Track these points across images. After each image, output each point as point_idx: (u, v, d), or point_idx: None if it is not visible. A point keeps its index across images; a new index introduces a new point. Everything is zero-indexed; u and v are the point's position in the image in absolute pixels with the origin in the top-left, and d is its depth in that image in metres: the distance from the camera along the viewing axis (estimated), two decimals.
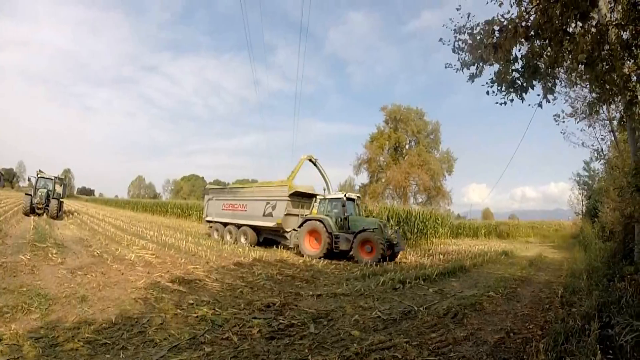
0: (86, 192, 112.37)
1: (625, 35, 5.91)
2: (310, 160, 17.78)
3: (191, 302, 6.35)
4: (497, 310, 6.98)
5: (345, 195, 14.82)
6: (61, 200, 24.16)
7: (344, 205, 14.49)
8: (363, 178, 51.51)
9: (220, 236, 18.48)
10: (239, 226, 17.50)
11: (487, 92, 5.62)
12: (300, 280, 9.19)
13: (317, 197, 16.10)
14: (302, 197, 16.41)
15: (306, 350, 4.46)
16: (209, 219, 19.67)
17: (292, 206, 15.97)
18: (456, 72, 5.75)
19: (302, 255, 14.41)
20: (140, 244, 13.64)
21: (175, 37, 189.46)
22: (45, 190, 23.13)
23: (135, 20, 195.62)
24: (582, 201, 32.09)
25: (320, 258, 13.43)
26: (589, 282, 8.27)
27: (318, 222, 14.32)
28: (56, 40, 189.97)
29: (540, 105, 5.60)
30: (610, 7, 6.47)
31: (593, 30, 5.61)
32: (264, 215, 16.38)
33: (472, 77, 5.72)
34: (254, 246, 16.23)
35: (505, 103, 5.57)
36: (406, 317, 6.20)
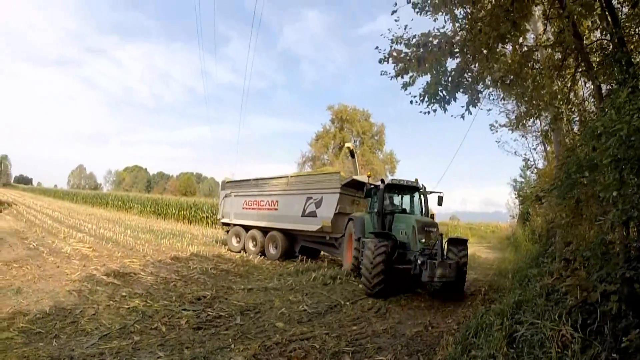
0: (24, 181, 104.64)
1: (557, 56, 6.47)
2: (350, 149, 14.80)
3: (124, 294, 6.43)
4: (420, 305, 7.42)
5: (382, 181, 9.64)
6: None
7: (371, 195, 10.32)
8: None
9: (242, 245, 13.85)
10: (265, 231, 13.07)
11: (411, 102, 5.90)
12: (234, 275, 9.40)
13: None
14: (357, 191, 12.03)
15: (230, 340, 4.68)
16: (225, 220, 15.12)
17: (346, 202, 11.73)
18: (390, 79, 6.02)
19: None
20: (78, 236, 13.24)
21: (125, 19, 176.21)
22: None
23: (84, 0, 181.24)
24: (517, 205, 33.80)
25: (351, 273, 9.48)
26: (513, 281, 8.85)
27: (350, 222, 10.24)
28: None
29: (462, 117, 5.92)
30: (545, 29, 6.98)
31: (525, 49, 6.10)
32: (303, 215, 12.05)
33: (405, 86, 5.97)
34: (282, 259, 12.37)
35: (428, 112, 5.88)
36: (332, 310, 6.53)
